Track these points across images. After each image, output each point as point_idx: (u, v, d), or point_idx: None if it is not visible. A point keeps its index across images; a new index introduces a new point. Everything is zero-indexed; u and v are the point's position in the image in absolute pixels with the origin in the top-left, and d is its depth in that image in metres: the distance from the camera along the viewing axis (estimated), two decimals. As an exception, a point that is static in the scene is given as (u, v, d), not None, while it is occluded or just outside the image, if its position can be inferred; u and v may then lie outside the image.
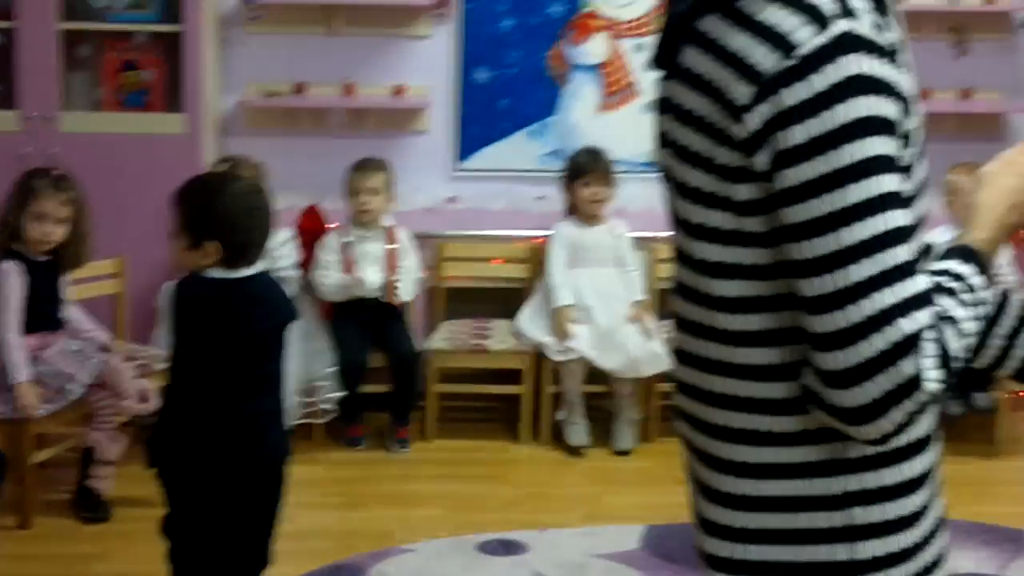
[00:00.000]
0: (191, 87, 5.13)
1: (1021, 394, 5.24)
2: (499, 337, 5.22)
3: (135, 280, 5.02)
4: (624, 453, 5.13)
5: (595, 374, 5.17)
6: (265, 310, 3.13)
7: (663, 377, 5.20)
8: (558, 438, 5.17)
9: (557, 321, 5.06)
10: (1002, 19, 5.73)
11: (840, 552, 1.53)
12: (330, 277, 5.06)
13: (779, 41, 1.40)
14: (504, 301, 5.45)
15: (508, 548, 4.17)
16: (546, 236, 5.26)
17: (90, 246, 4.42)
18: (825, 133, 1.38)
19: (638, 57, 5.70)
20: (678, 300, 1.63)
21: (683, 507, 4.58)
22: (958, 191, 4.96)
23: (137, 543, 4.19)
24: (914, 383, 1.39)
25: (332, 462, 4.97)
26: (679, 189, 1.56)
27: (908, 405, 1.41)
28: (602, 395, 5.27)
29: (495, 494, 4.68)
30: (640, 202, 5.61)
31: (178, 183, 4.99)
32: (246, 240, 3.06)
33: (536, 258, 5.35)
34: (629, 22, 5.70)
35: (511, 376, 5.20)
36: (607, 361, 5.05)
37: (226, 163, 4.93)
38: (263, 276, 3.15)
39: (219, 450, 3.11)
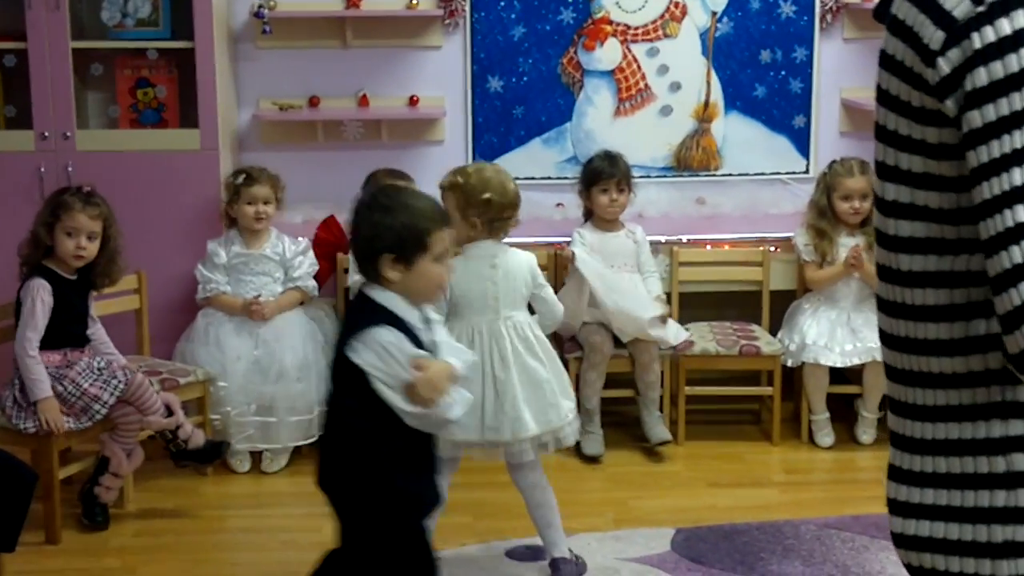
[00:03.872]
0: (205, 103, 5.12)
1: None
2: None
3: (155, 295, 5.01)
4: (664, 443, 5.09)
5: (615, 380, 5.14)
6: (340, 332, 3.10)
7: (691, 379, 5.19)
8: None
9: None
10: None
11: (1000, 498, 1.57)
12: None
13: None
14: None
15: (536, 553, 4.14)
16: (565, 243, 5.23)
17: (121, 264, 4.42)
18: (1009, 75, 1.44)
19: (651, 62, 5.70)
20: (875, 246, 1.70)
21: (713, 509, 4.62)
22: None
23: (162, 556, 4.21)
24: None
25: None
26: (877, 131, 1.64)
27: None
28: (623, 400, 5.24)
29: (521, 501, 4.62)
30: (658, 207, 5.61)
31: (194, 198, 5.08)
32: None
33: (555, 264, 5.32)
34: (641, 27, 5.68)
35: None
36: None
37: (240, 174, 4.94)
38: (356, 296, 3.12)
39: None
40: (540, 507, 4.03)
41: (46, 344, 4.26)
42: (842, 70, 5.78)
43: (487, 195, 3.93)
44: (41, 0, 4.94)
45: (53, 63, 5.00)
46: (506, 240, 4.09)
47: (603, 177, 5.18)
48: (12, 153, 5.06)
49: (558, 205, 5.57)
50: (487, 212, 3.95)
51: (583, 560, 4.07)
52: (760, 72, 5.75)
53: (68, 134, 5.05)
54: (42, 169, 5.02)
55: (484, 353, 3.87)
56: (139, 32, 5.21)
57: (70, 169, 5.00)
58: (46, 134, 5.04)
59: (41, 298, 4.22)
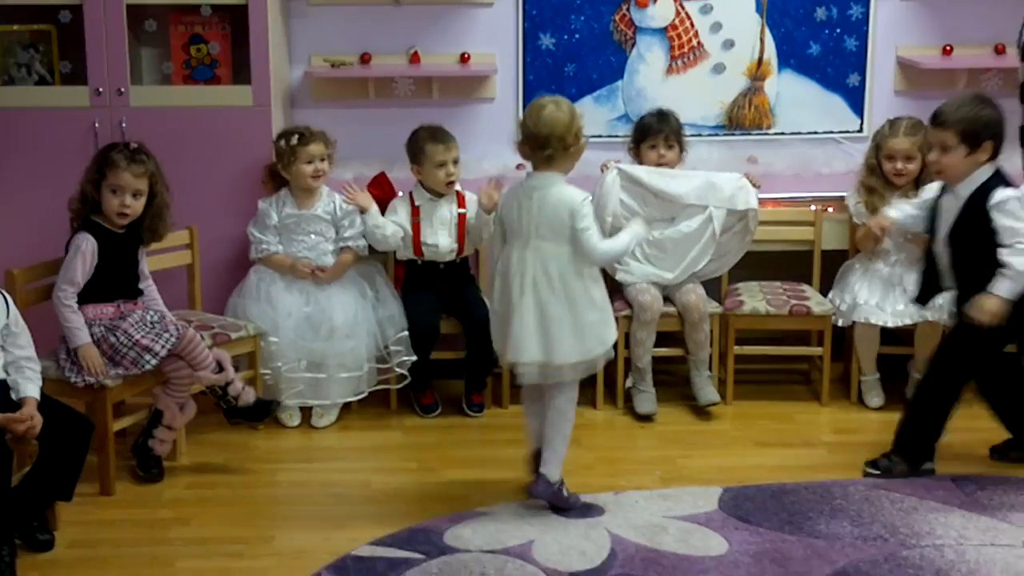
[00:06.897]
0: (257, 59, 5.13)
1: None
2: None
3: (206, 250, 5.05)
4: (712, 405, 5.10)
5: (666, 338, 5.14)
6: None
7: (740, 339, 5.18)
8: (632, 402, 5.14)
9: None
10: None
11: None
12: (386, 228, 5.01)
13: None
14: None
15: (584, 510, 4.15)
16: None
17: (168, 220, 4.45)
18: None
19: (704, 19, 5.65)
20: None
21: (761, 469, 4.64)
22: None
23: (214, 508, 4.25)
24: None
25: (407, 428, 4.98)
26: None
27: None
28: (672, 359, 5.24)
29: (570, 458, 4.61)
30: (708, 165, 5.55)
31: (246, 153, 5.10)
32: None
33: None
34: (695, -17, 5.64)
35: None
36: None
37: (292, 135, 4.95)
38: None
39: None
40: (549, 427, 4.16)
41: (99, 297, 4.32)
42: (898, 28, 5.71)
43: (525, 126, 4.06)
44: (96, -44, 4.98)
45: (108, 19, 5.02)
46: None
47: (651, 133, 5.19)
48: (67, 109, 5.10)
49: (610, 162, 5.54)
50: (529, 143, 4.03)
51: (574, 496, 4.19)
52: (815, 30, 5.69)
53: (122, 90, 5.08)
54: (96, 124, 5.06)
55: (512, 276, 4.01)
56: (193, -12, 5.23)
57: (124, 125, 5.03)
58: (100, 90, 5.07)
59: (83, 252, 4.26)
